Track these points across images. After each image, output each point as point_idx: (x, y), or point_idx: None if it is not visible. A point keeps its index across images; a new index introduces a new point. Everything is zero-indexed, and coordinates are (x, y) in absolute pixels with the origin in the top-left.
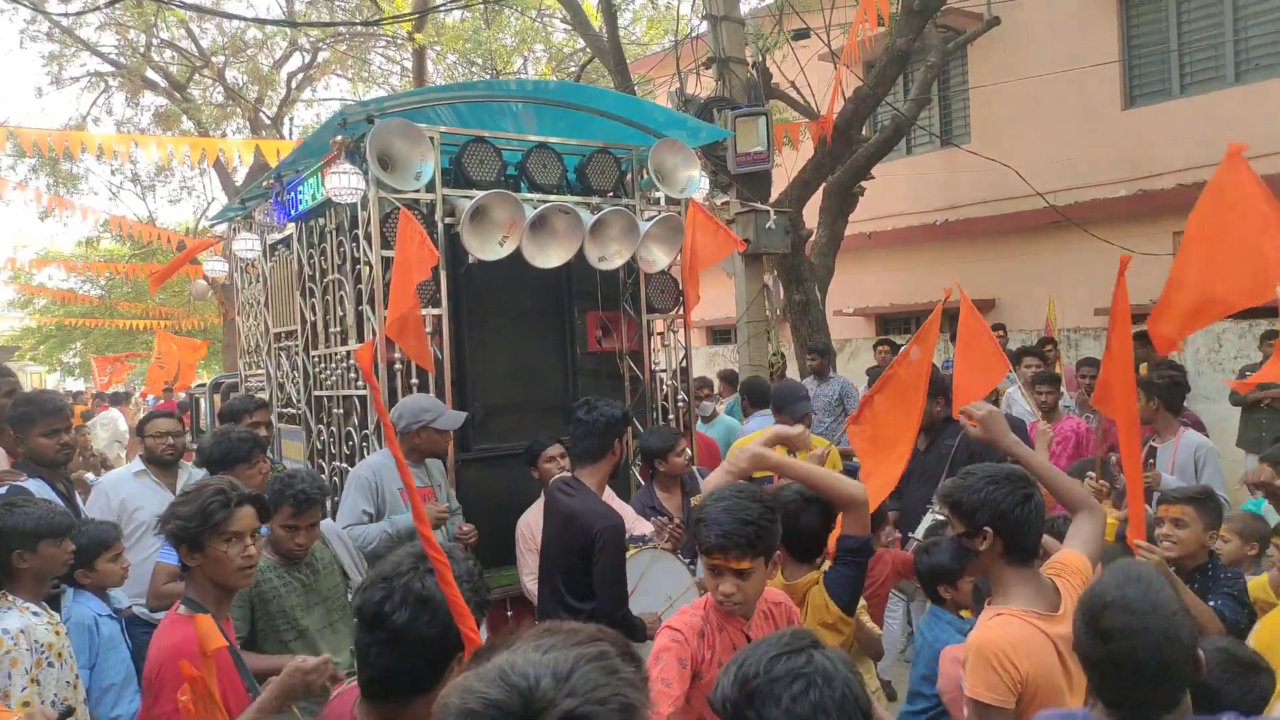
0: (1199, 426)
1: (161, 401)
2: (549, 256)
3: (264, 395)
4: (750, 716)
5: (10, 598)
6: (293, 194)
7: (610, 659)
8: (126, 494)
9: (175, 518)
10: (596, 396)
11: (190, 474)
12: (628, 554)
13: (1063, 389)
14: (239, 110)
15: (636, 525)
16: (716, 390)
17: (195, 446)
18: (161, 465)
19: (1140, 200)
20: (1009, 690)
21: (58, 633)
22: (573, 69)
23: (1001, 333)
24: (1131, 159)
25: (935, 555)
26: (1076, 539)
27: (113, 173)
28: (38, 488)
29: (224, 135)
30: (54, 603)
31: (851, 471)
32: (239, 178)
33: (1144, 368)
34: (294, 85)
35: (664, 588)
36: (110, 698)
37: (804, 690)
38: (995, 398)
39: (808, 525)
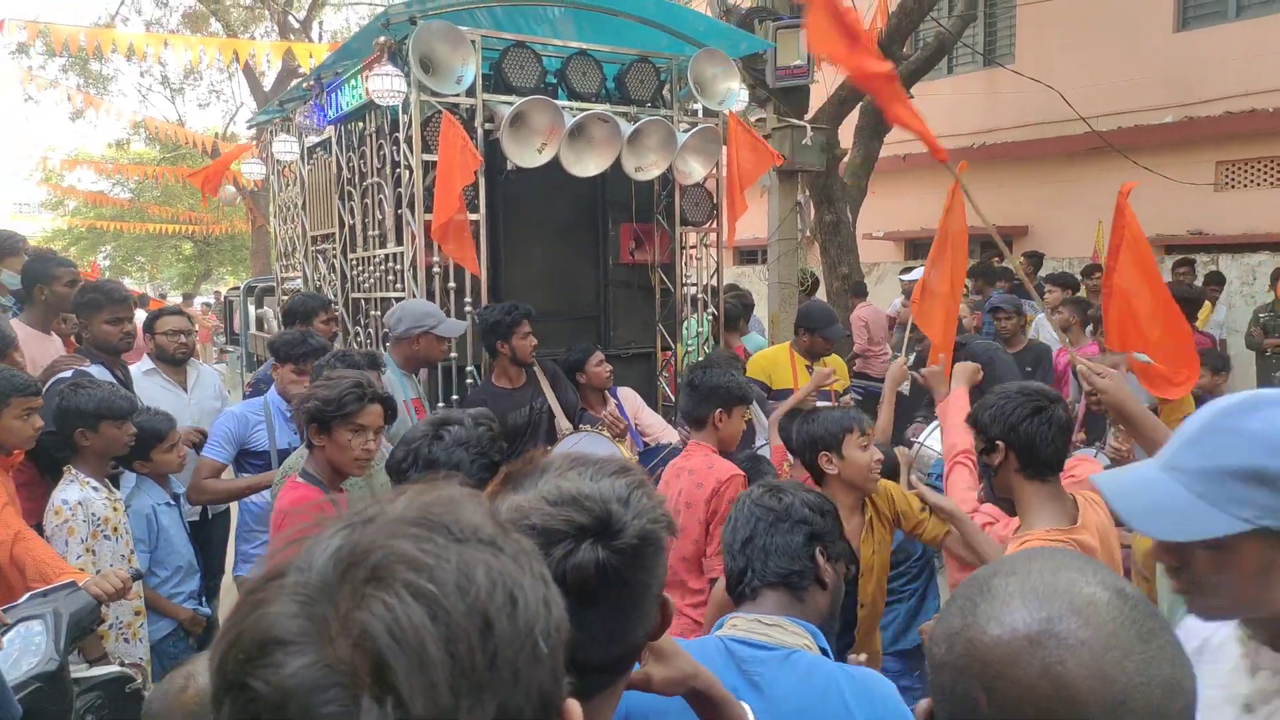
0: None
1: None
2: (586, 165)
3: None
4: (741, 548)
5: (74, 471)
6: (332, 96)
7: (647, 486)
8: (138, 393)
9: (315, 399)
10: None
11: (199, 371)
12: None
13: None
14: (268, 13)
15: (664, 434)
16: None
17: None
18: (172, 364)
19: (1186, 127)
20: None
21: (115, 508)
22: None
23: (1025, 262)
24: (1181, 83)
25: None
26: None
27: (141, 75)
28: (99, 373)
29: (252, 39)
30: (115, 481)
31: (870, 394)
32: (267, 82)
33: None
34: None
35: None
36: (176, 577)
37: (784, 529)
38: (1024, 323)
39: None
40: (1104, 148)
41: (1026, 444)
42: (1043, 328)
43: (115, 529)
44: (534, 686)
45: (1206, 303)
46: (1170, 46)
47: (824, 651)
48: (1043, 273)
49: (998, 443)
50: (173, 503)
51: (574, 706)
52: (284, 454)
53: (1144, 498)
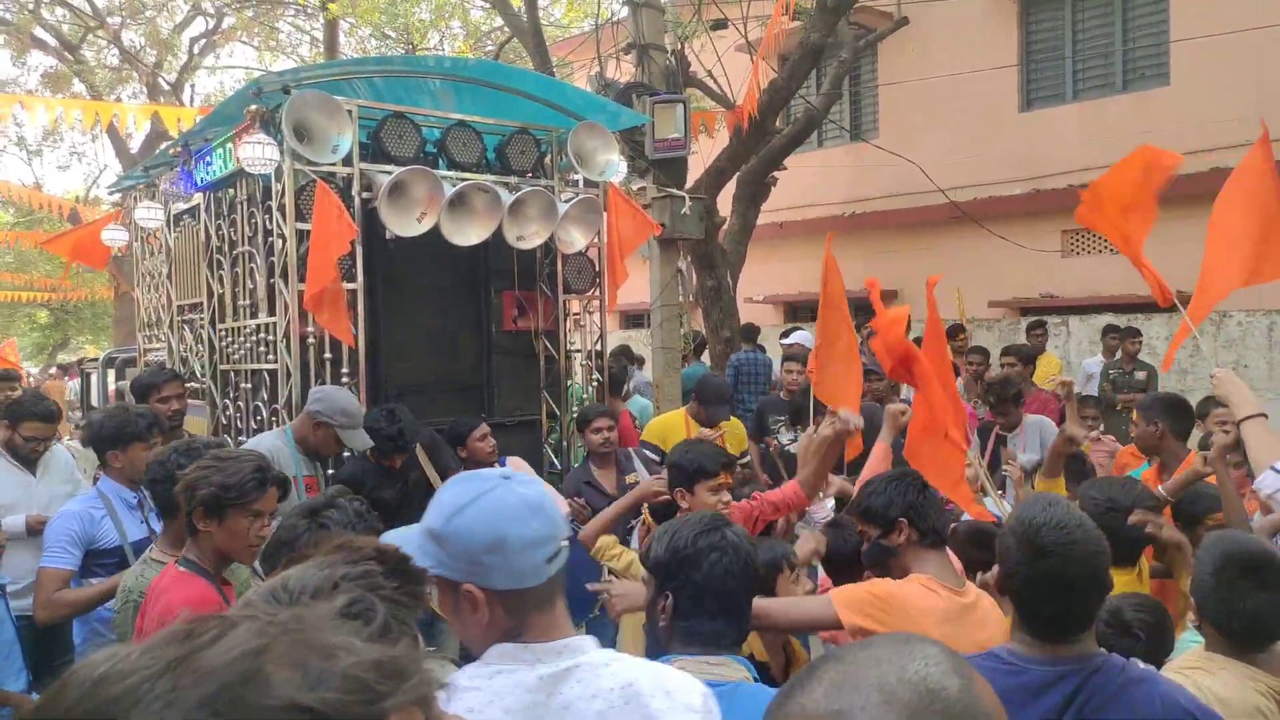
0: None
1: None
2: (467, 234)
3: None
4: (678, 575)
5: None
6: (200, 163)
7: (374, 578)
8: None
9: (211, 484)
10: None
11: (51, 452)
12: None
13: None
14: (135, 75)
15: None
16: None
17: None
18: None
19: (1034, 199)
20: (873, 619)
21: None
22: (490, 48)
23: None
24: (1027, 159)
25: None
26: None
27: None
28: None
29: (118, 100)
30: None
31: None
32: (134, 145)
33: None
34: (196, 51)
35: None
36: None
37: (719, 557)
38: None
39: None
40: (962, 217)
41: (923, 515)
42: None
43: None
44: None
45: (1051, 356)
46: (1017, 125)
47: (758, 680)
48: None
49: (898, 521)
50: None
51: None
52: (139, 546)
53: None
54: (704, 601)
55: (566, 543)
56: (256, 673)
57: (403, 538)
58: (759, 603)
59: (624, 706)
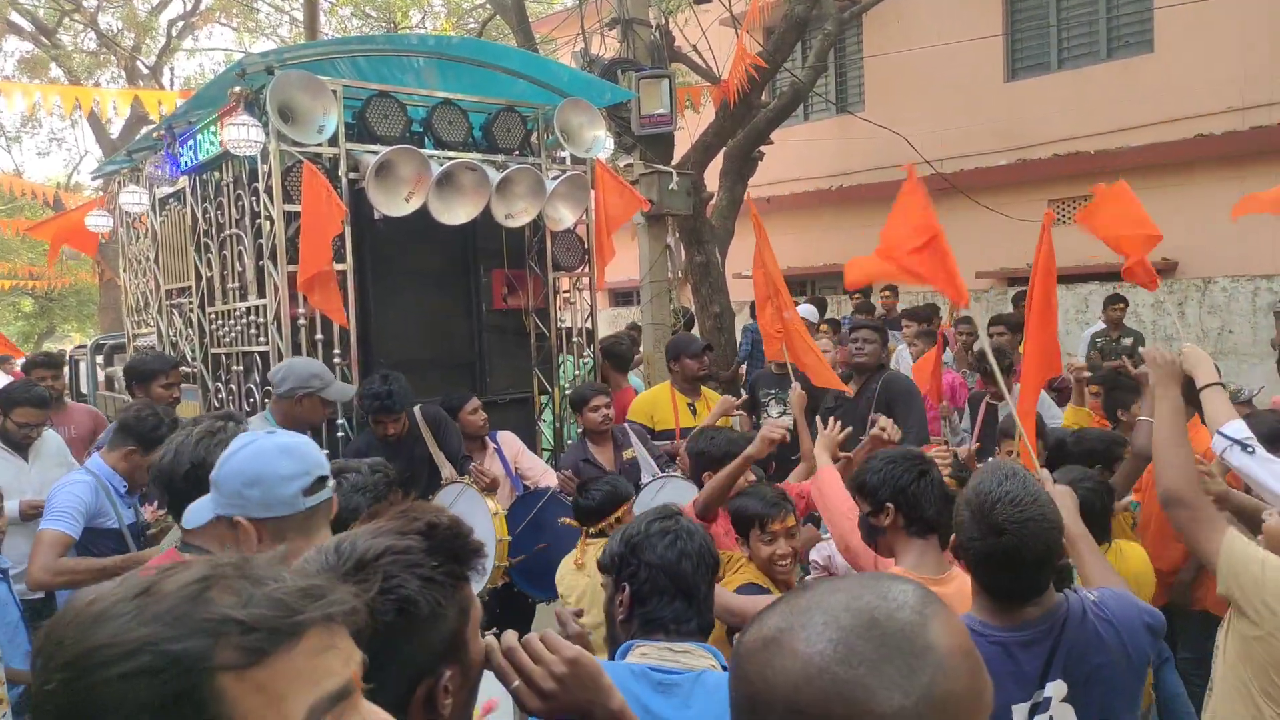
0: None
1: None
2: (455, 213)
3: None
4: (632, 562)
5: None
6: (185, 146)
7: (413, 554)
8: None
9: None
10: None
11: (43, 436)
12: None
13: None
14: (114, 58)
15: (544, 477)
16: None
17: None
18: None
19: (1020, 169)
20: None
21: None
22: (473, 25)
23: (889, 294)
24: (1012, 129)
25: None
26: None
27: None
28: None
29: (97, 85)
30: None
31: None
32: (114, 130)
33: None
34: (174, 33)
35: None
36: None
37: (672, 541)
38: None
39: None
40: (949, 189)
41: (912, 504)
42: (902, 358)
43: None
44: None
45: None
46: (1002, 96)
47: (724, 668)
48: (902, 305)
49: (886, 505)
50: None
51: None
52: (132, 530)
53: None
54: (659, 583)
55: (324, 479)
56: (201, 594)
57: (199, 503)
58: (724, 597)
59: None
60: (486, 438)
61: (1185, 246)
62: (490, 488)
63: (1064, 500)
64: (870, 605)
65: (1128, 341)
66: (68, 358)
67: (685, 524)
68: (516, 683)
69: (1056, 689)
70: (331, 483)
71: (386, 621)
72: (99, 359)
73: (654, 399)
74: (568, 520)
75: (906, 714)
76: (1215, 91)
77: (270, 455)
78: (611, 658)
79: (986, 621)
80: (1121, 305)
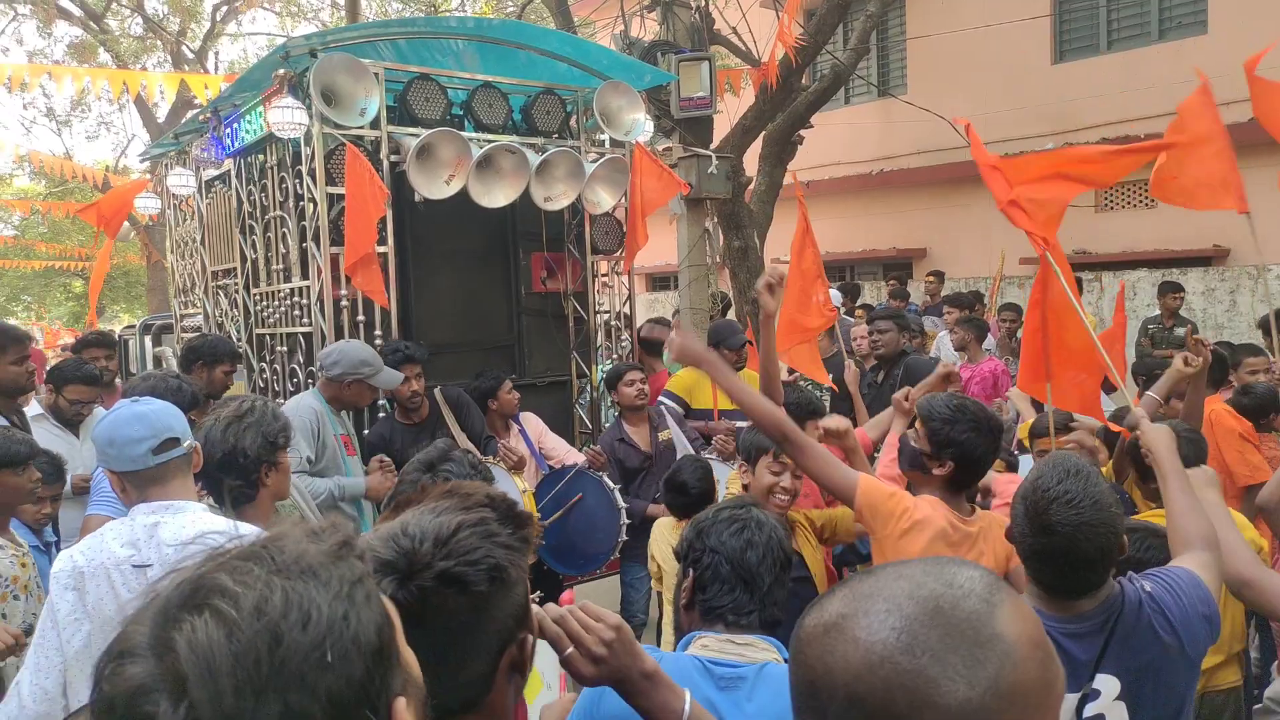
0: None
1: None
2: (495, 196)
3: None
4: (699, 548)
5: None
6: (230, 129)
7: (489, 524)
8: None
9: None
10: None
11: (93, 414)
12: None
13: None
14: (160, 43)
15: (568, 456)
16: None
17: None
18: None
19: None
20: (874, 514)
21: (23, 565)
22: (511, 8)
23: (933, 279)
24: (1059, 113)
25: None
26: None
27: (25, 107)
28: None
29: (144, 69)
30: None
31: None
32: (160, 113)
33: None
34: (219, 18)
35: None
36: None
37: (739, 529)
38: (924, 343)
39: None
40: None
41: (971, 469)
42: (944, 345)
43: (25, 586)
44: (321, 688)
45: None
46: (1049, 78)
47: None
48: (944, 292)
49: (946, 461)
50: (42, 549)
51: (400, 705)
52: None
53: None
54: (720, 571)
55: (174, 440)
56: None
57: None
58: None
59: (193, 541)
60: (511, 419)
61: (1238, 232)
62: (517, 466)
63: (1161, 437)
64: (935, 593)
65: (1180, 331)
66: (118, 338)
67: (757, 515)
68: (570, 649)
69: (1108, 683)
70: (188, 443)
71: (480, 591)
72: (147, 339)
73: (695, 378)
74: None
75: (972, 706)
76: (1273, 74)
77: (124, 421)
78: (674, 648)
79: (1040, 609)
80: (1179, 295)
